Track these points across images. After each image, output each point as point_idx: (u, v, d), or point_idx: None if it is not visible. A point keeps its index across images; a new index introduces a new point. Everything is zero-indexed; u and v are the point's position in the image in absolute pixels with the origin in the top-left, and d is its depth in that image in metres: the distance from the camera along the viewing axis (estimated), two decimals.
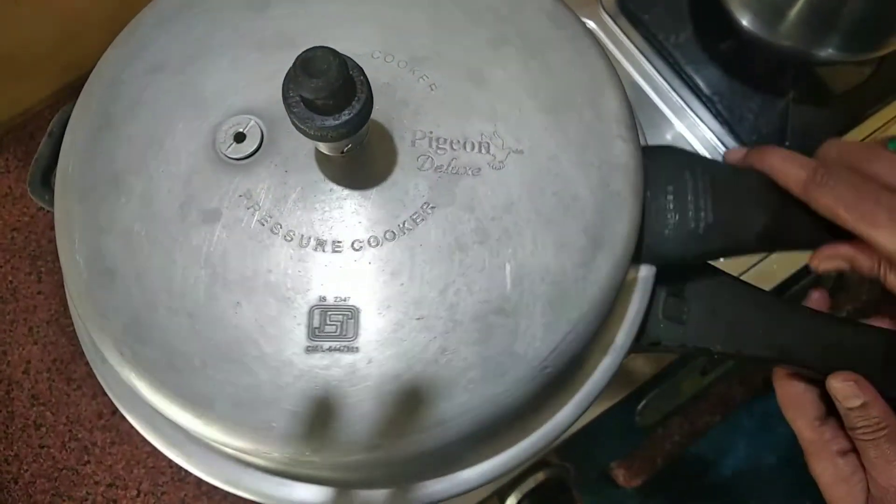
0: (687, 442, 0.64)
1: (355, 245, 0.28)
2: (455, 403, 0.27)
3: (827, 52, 0.53)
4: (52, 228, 0.54)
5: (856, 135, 0.57)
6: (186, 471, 0.56)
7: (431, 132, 0.30)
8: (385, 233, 0.28)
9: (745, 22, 0.55)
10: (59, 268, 0.57)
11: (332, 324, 0.27)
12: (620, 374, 0.42)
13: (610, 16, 0.62)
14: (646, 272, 0.33)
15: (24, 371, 0.58)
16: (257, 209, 0.28)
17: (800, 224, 0.34)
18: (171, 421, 0.31)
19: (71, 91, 0.64)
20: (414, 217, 0.29)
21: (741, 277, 0.35)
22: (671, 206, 0.32)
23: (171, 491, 0.55)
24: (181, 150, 0.30)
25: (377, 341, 0.27)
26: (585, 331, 0.28)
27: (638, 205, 0.30)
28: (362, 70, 0.25)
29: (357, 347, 0.27)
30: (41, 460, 0.56)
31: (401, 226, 0.28)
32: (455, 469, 0.31)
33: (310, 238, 0.28)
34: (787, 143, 0.56)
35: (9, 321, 0.59)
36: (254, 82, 0.31)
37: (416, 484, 0.31)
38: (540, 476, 0.50)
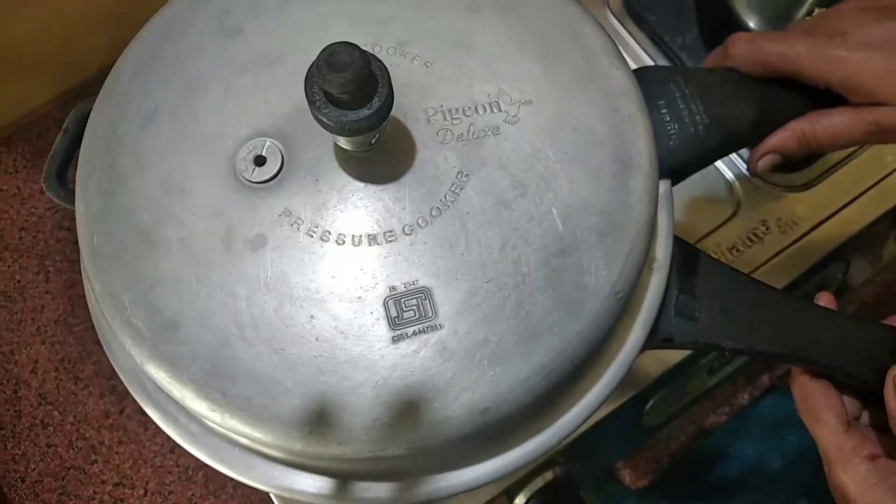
0: (693, 442, 0.64)
1: (406, 230, 0.28)
2: (548, 349, 0.27)
3: None
4: (60, 228, 0.54)
5: None
6: (194, 470, 0.57)
7: (442, 106, 0.30)
8: (431, 210, 0.28)
9: (751, 24, 0.55)
10: (68, 268, 0.57)
11: (409, 309, 0.27)
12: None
13: (616, 17, 0.61)
14: (663, 187, 0.33)
15: (31, 370, 0.57)
16: (301, 223, 0.28)
17: (785, 102, 0.36)
18: (256, 449, 0.31)
19: (77, 91, 0.63)
20: (453, 189, 0.29)
21: (752, 275, 0.36)
22: (668, 119, 0.33)
23: (179, 490, 0.54)
24: (204, 189, 0.29)
25: (457, 313, 0.27)
26: (640, 249, 0.29)
27: (648, 120, 0.31)
28: (378, 58, 0.24)
29: (440, 324, 0.27)
30: (48, 459, 0.55)
31: (443, 200, 0.28)
32: (556, 416, 0.31)
33: (361, 236, 0.28)
34: None
35: (16, 320, 0.58)
36: (253, 105, 0.30)
37: (527, 439, 0.31)
38: (548, 475, 0.50)
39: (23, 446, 0.55)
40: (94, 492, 0.54)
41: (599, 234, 0.28)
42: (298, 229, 0.28)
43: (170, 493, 0.54)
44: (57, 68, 0.60)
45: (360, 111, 0.24)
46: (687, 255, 0.34)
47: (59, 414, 0.56)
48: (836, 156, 0.57)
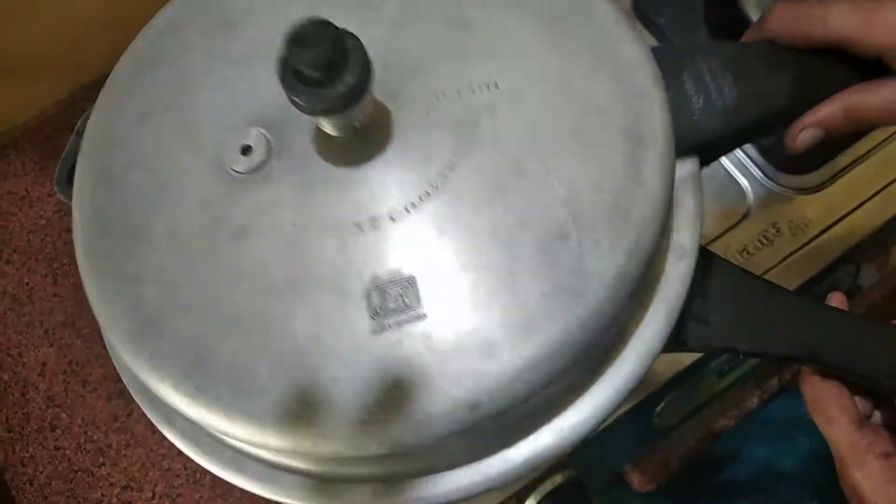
0: (702, 446, 0.64)
1: (392, 217, 0.26)
2: (544, 338, 0.25)
3: None
4: (69, 231, 0.55)
5: (872, 139, 0.57)
6: (201, 473, 0.56)
7: (436, 86, 0.28)
8: (419, 196, 0.26)
9: None
10: (76, 270, 0.57)
11: (393, 299, 0.25)
12: None
13: None
14: (691, 166, 0.31)
15: (39, 373, 0.56)
16: (284, 212, 0.27)
17: (827, 74, 0.32)
18: (243, 449, 0.29)
19: (85, 93, 0.63)
20: (443, 172, 0.26)
21: (764, 277, 0.35)
22: (692, 92, 0.31)
23: (187, 493, 0.53)
24: (193, 182, 0.28)
25: (444, 302, 0.25)
26: (653, 230, 0.26)
27: (663, 94, 0.28)
28: (353, 34, 0.23)
29: (424, 314, 0.25)
30: (56, 462, 0.53)
31: (433, 184, 0.26)
32: (562, 413, 0.29)
33: (345, 224, 0.26)
34: None
35: (25, 323, 0.57)
36: (244, 96, 0.29)
37: (522, 440, 0.28)
38: (557, 479, 0.49)
39: (31, 449, 0.55)
40: (102, 494, 0.53)
41: (605, 215, 0.26)
42: (281, 218, 0.27)
43: (178, 495, 0.53)
44: (65, 70, 0.60)
45: (332, 90, 0.22)
46: (699, 257, 0.34)
47: (67, 417, 0.55)
48: (848, 157, 0.56)
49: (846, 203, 0.55)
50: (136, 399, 0.33)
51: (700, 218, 0.30)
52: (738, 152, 0.57)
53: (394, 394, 0.24)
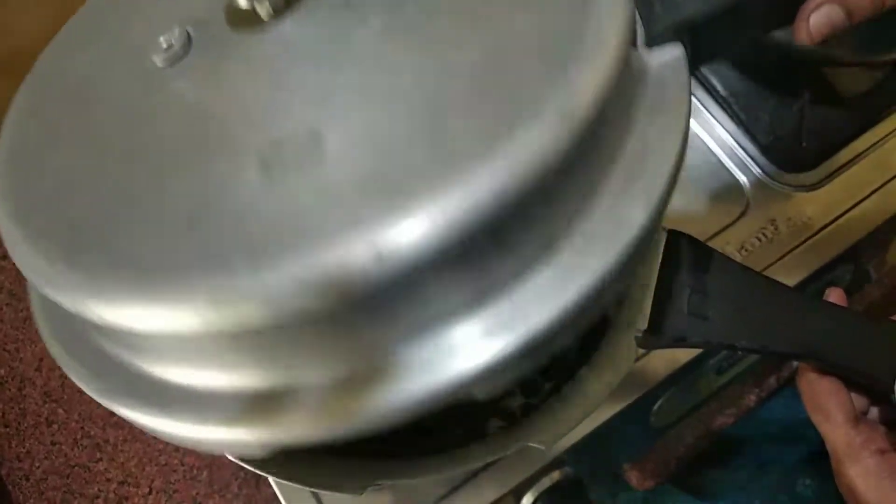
0: (700, 443, 0.63)
1: (305, 80, 0.25)
2: (465, 182, 0.20)
3: (843, 54, 0.53)
4: None
5: (870, 137, 0.57)
6: (199, 468, 0.56)
7: None
8: (336, 54, 0.25)
9: None
10: None
11: (289, 151, 0.23)
12: (635, 375, 0.41)
13: None
14: (672, 50, 0.27)
15: (36, 368, 0.55)
16: (194, 92, 0.26)
17: None
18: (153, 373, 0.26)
19: None
20: (369, 33, 0.25)
21: (764, 273, 0.35)
22: None
23: (183, 489, 0.51)
24: (116, 87, 0.28)
25: (346, 150, 0.22)
26: (605, 66, 0.22)
27: None
28: None
29: (324, 160, 0.22)
30: (53, 457, 0.52)
31: (348, 39, 0.25)
32: (506, 291, 0.23)
33: (250, 92, 0.25)
34: (803, 144, 0.55)
35: (21, 318, 0.56)
36: (174, 10, 0.29)
37: (470, 316, 0.22)
38: (556, 475, 0.49)
39: (27, 444, 0.54)
40: (98, 490, 0.53)
41: (547, 47, 0.23)
42: (189, 98, 0.26)
43: (174, 491, 0.53)
44: None
45: None
46: (698, 253, 0.33)
47: (63, 412, 0.55)
48: (846, 155, 0.56)
49: (845, 201, 0.54)
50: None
51: (688, 103, 0.26)
52: (737, 149, 0.56)
53: (291, 253, 0.21)
